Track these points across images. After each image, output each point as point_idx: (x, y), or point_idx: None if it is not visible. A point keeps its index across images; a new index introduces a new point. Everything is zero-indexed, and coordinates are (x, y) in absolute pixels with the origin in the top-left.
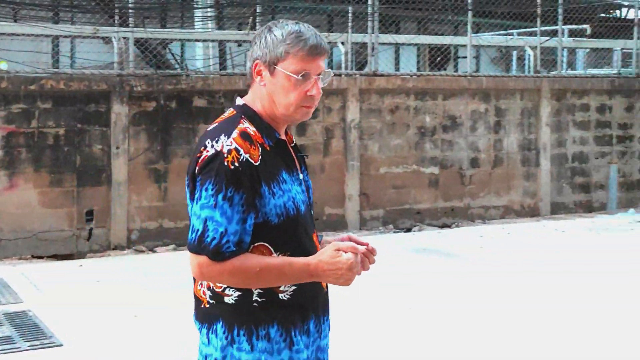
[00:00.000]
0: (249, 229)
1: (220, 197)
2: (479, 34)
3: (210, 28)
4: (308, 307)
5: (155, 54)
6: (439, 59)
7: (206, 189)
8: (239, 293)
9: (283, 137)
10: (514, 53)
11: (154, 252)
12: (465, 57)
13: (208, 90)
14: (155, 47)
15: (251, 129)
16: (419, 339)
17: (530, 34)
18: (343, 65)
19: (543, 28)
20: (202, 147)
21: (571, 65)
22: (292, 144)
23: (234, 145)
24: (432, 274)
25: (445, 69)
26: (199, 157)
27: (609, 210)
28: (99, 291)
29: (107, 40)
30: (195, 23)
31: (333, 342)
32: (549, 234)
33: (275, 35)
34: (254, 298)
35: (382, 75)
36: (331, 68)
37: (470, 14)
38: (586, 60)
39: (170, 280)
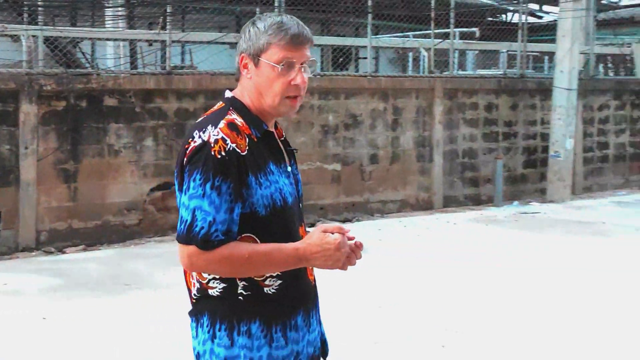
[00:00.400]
0: (236, 219)
1: (208, 186)
2: (378, 36)
3: (120, 27)
4: (295, 301)
5: (65, 53)
6: (341, 59)
7: (194, 179)
8: (224, 285)
9: (271, 129)
10: (410, 54)
11: (64, 252)
12: (366, 58)
13: (119, 90)
14: (65, 45)
15: (239, 120)
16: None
17: (425, 36)
18: None
19: (436, 31)
20: (190, 139)
21: (462, 66)
22: (282, 138)
23: (221, 135)
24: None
25: (347, 69)
26: (187, 149)
27: (495, 203)
28: (6, 294)
29: (15, 39)
30: (106, 22)
31: None
32: (442, 226)
33: (258, 28)
34: (239, 291)
35: None
36: None
37: (370, 16)
38: (475, 62)
39: (79, 281)
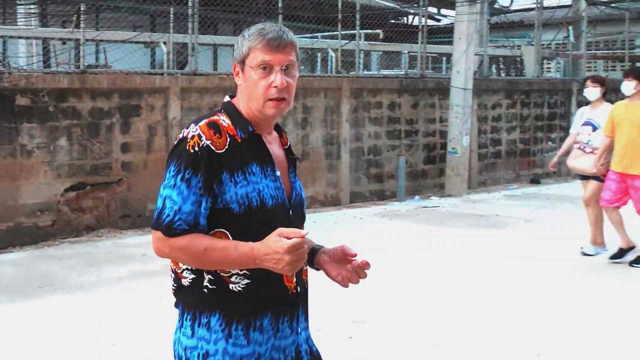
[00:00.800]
0: (204, 212)
1: (179, 178)
2: None
3: (33, 25)
4: (262, 303)
5: None
6: None
7: (169, 170)
8: (193, 276)
9: (260, 132)
10: (319, 55)
11: None
12: None
13: (31, 89)
14: None
15: (225, 122)
16: None
17: (333, 37)
18: (165, 65)
19: (343, 32)
20: (179, 134)
21: (367, 66)
22: (286, 146)
23: (198, 132)
24: None
25: None
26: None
27: (398, 197)
28: None
29: None
30: (18, 19)
31: None
32: (349, 221)
33: (243, 36)
34: (205, 284)
35: (201, 74)
36: (153, 67)
37: (280, 17)
38: (379, 62)
39: None
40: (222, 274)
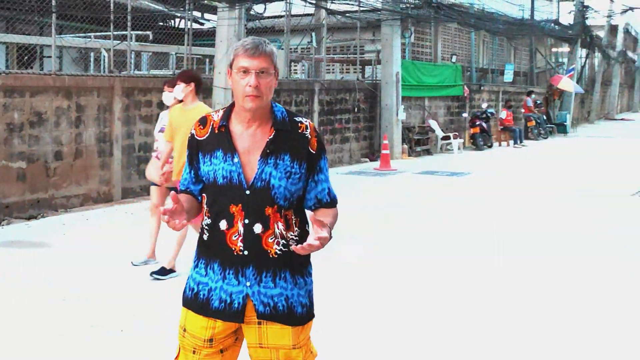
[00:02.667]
0: (192, 180)
1: (187, 156)
2: (62, 35)
3: None
4: (213, 253)
5: None
6: (26, 57)
7: None
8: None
9: (233, 127)
10: (92, 54)
11: None
12: (50, 57)
13: None
14: None
15: (216, 117)
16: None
17: (105, 37)
18: None
19: (115, 32)
20: None
21: (138, 66)
22: (270, 137)
23: (194, 125)
24: (19, 265)
25: (32, 68)
26: None
27: None
28: None
29: None
30: None
31: None
32: (121, 217)
33: (233, 48)
34: (201, 233)
35: None
36: None
37: (54, 16)
38: (149, 62)
39: None
40: (203, 227)
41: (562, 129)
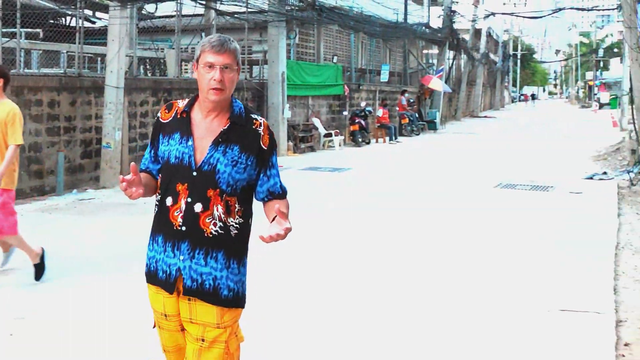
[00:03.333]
0: (151, 159)
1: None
2: None
3: None
4: (158, 227)
5: None
6: None
7: None
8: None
9: (194, 115)
10: None
11: None
12: None
13: None
14: None
15: (182, 104)
16: None
17: None
18: None
19: (4, 30)
20: None
21: (28, 64)
22: (225, 126)
23: (160, 110)
24: None
25: None
26: None
27: (58, 192)
28: None
29: None
30: None
31: None
32: None
33: (200, 44)
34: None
35: None
36: None
37: None
38: (39, 61)
39: None
40: (155, 204)
41: (432, 125)
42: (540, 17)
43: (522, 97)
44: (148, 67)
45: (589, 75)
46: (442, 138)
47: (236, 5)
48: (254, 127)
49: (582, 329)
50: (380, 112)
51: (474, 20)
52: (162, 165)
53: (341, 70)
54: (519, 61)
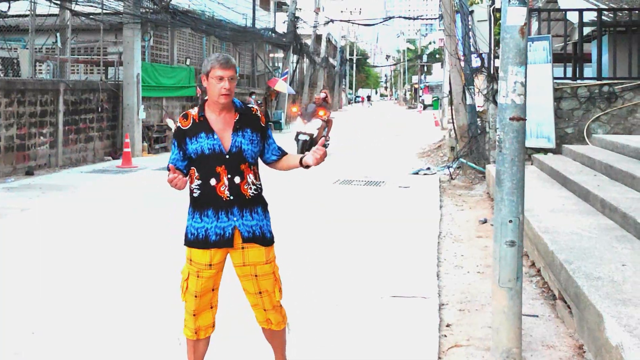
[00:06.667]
0: (178, 158)
1: (172, 143)
2: None
3: None
4: (206, 202)
5: None
6: None
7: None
8: (189, 190)
9: (209, 116)
10: None
11: None
12: None
13: None
14: None
15: (194, 111)
16: None
17: None
18: None
19: None
20: None
21: None
22: (236, 118)
23: (178, 119)
24: None
25: None
26: None
27: None
28: None
29: None
30: None
31: None
32: None
33: (207, 60)
34: (193, 194)
35: None
36: None
37: None
38: None
39: None
40: (192, 188)
41: (278, 125)
42: (373, 24)
43: (359, 99)
44: (0, 67)
45: (415, 78)
46: (286, 137)
47: (91, 6)
48: (253, 112)
49: (410, 312)
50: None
51: (315, 27)
52: (197, 158)
53: (194, 72)
54: (354, 65)
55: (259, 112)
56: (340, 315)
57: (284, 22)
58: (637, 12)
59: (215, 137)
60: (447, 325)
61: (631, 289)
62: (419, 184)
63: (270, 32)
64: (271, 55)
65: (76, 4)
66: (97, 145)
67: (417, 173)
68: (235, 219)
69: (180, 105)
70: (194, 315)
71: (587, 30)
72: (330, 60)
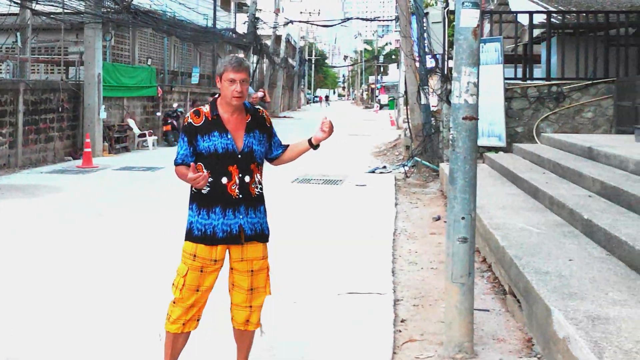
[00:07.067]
0: (188, 154)
1: (180, 138)
2: None
3: None
4: (215, 200)
5: None
6: None
7: (180, 134)
8: (194, 190)
9: (223, 115)
10: None
11: None
12: None
13: None
14: None
15: (205, 109)
16: None
17: None
18: None
19: None
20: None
21: None
22: (248, 120)
23: (189, 115)
24: None
25: None
26: None
27: None
28: None
29: None
30: None
31: None
32: None
33: (221, 62)
34: (201, 191)
35: None
36: None
37: None
38: None
39: None
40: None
41: None
42: (331, 25)
43: (317, 99)
44: None
45: (372, 79)
46: None
47: (52, 5)
48: (260, 114)
49: (366, 309)
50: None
51: (275, 27)
52: (208, 156)
53: (155, 72)
54: (313, 66)
55: (264, 114)
56: (298, 312)
57: (244, 23)
58: (584, 14)
59: (229, 136)
60: (402, 321)
61: (578, 284)
62: (375, 183)
63: (230, 33)
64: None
65: (37, 3)
66: (58, 145)
67: (373, 172)
68: (241, 216)
69: (141, 105)
70: (192, 306)
71: (537, 32)
72: (290, 60)
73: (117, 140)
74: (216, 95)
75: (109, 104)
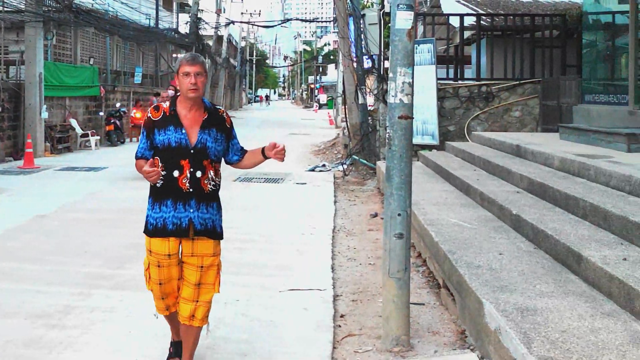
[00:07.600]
0: (146, 147)
1: (141, 132)
2: None
3: None
4: (165, 192)
5: None
6: None
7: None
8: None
9: (181, 111)
10: None
11: None
12: None
13: None
14: None
15: (165, 105)
16: None
17: None
18: None
19: None
20: None
21: None
22: (205, 117)
23: (149, 110)
24: None
25: None
26: None
27: None
28: None
29: None
30: None
31: None
32: None
33: (178, 59)
34: (156, 184)
35: None
36: None
37: None
38: None
39: None
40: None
41: None
42: (272, 26)
43: (258, 99)
44: None
45: (311, 79)
46: None
47: None
48: (219, 114)
49: (307, 304)
50: (134, 112)
51: (216, 28)
52: (162, 150)
53: (97, 71)
54: (254, 66)
55: (224, 114)
56: (240, 309)
57: (187, 23)
58: (512, 17)
59: (183, 131)
60: (342, 316)
61: (507, 276)
62: (315, 181)
63: (173, 33)
64: (174, 55)
65: None
66: None
67: (313, 170)
68: (192, 210)
69: (83, 105)
70: (163, 298)
71: (467, 33)
72: (231, 60)
73: (59, 140)
74: (177, 94)
75: (50, 104)
